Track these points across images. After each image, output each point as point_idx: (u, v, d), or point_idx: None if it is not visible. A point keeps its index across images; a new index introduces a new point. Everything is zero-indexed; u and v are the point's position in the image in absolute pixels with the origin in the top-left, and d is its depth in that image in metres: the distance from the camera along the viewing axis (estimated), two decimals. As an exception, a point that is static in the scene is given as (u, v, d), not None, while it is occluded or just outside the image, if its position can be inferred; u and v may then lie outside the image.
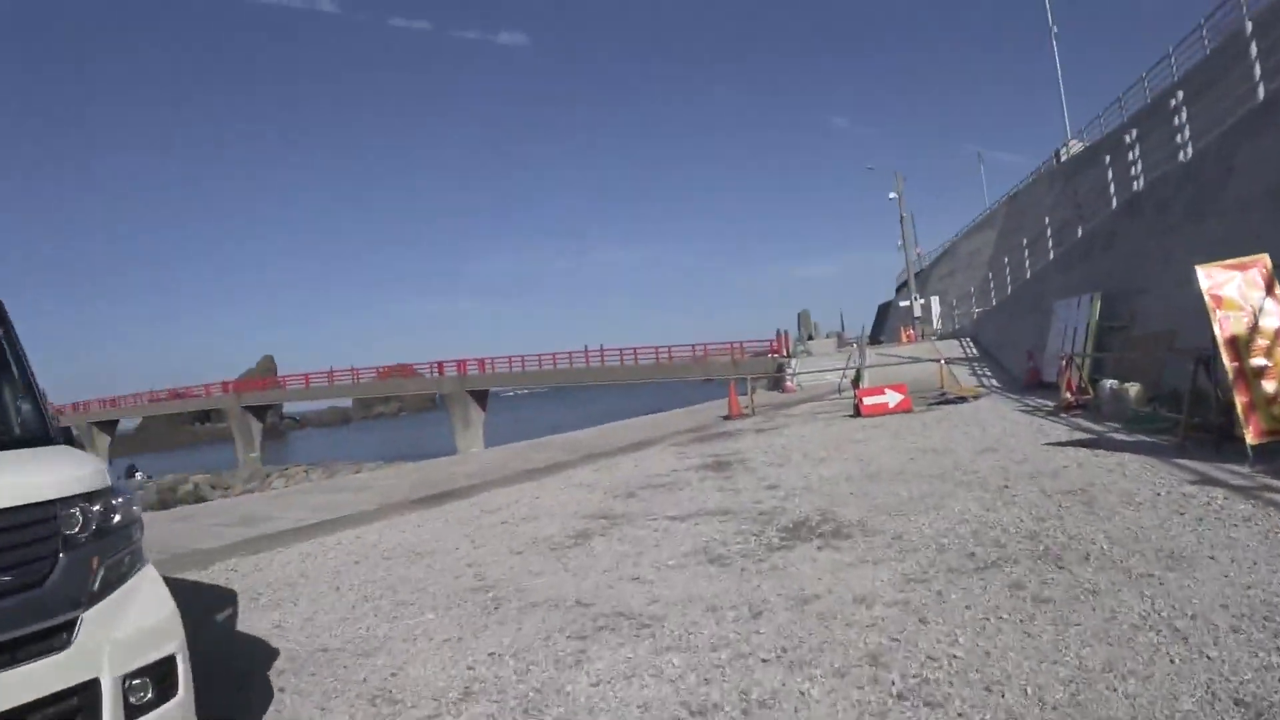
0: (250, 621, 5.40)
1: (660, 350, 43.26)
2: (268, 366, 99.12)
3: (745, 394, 19.12)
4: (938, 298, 35.59)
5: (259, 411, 60.08)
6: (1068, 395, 12.40)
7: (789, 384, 24.84)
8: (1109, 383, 11.59)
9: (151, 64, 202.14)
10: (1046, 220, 22.06)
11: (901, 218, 40.24)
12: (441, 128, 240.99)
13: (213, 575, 6.90)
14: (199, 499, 30.77)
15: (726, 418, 17.29)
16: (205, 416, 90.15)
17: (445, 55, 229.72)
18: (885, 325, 64.16)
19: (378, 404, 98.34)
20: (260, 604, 5.82)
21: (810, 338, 35.56)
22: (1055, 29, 34.11)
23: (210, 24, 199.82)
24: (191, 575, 6.91)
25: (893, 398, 14.66)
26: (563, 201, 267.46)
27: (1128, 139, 16.20)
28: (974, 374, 20.21)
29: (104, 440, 64.29)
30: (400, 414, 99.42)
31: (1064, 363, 13.07)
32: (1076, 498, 6.39)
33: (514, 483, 10.75)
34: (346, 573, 6.50)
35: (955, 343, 26.39)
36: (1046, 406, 12.90)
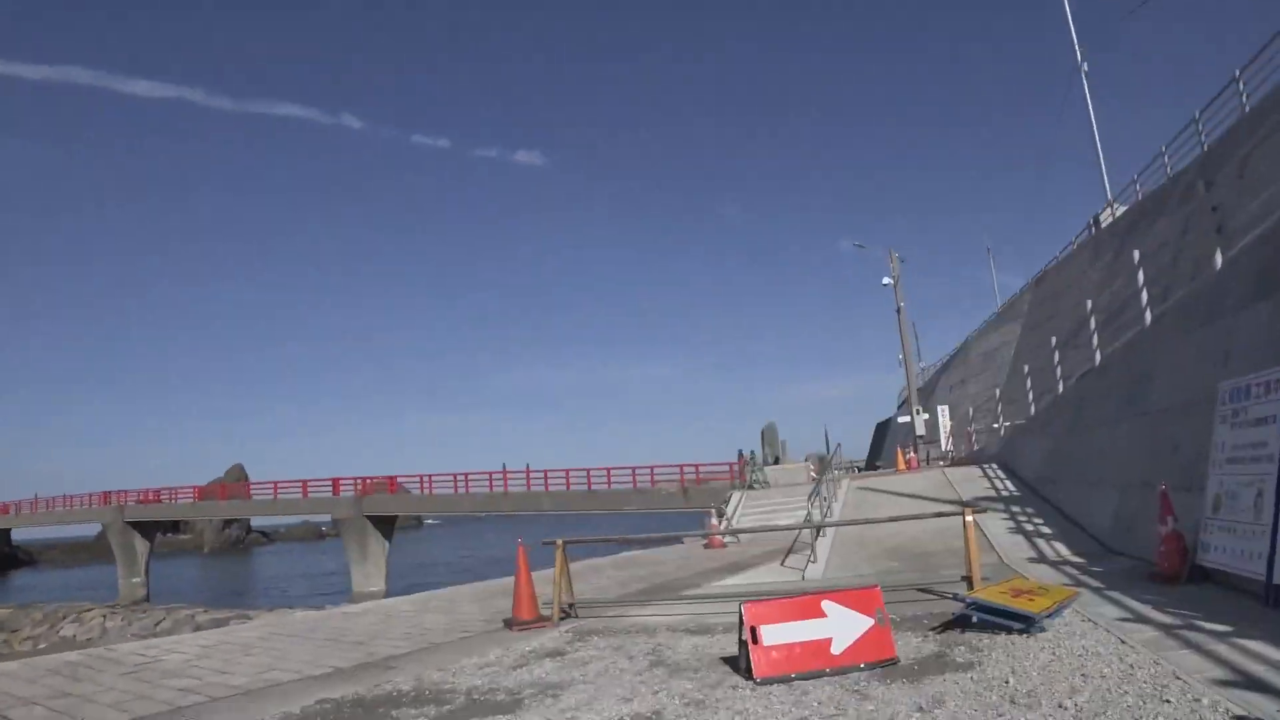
0: None
1: (595, 473, 34.05)
2: (238, 475, 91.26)
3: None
4: (946, 409, 26.83)
5: (146, 529, 50.50)
6: None
7: (716, 538, 15.68)
8: None
9: (162, 168, 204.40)
10: (1089, 305, 13.49)
11: (899, 308, 31.99)
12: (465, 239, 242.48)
13: None
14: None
15: (507, 622, 8.18)
16: (174, 525, 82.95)
17: (465, 171, 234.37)
18: (884, 448, 54.74)
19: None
20: None
21: (776, 460, 26.47)
22: (1085, 65, 27.04)
23: (231, 132, 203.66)
24: None
25: (843, 625, 5.56)
26: (575, 317, 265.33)
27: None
28: (1019, 530, 11.10)
29: None
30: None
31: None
32: None
33: None
34: None
35: (976, 470, 17.32)
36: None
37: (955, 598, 6.96)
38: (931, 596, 7.59)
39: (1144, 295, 10.97)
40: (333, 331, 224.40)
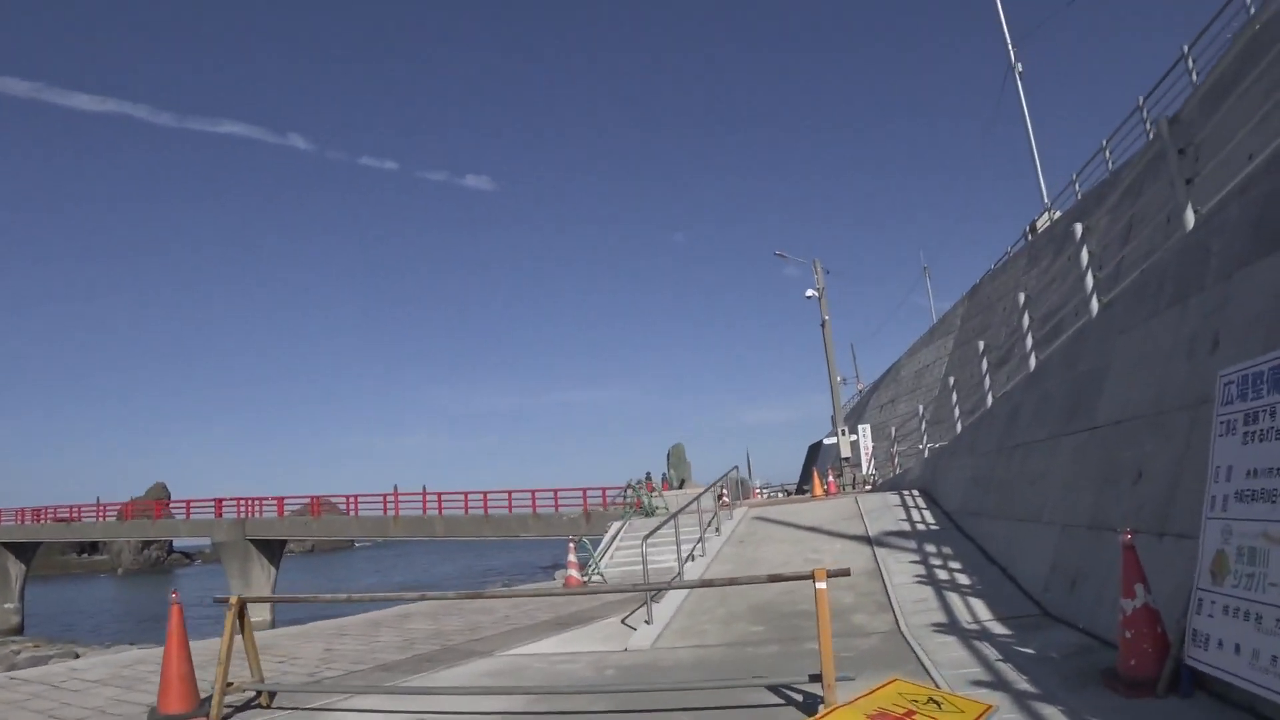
0: None
1: (495, 496, 30.79)
2: (160, 493, 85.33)
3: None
4: (868, 429, 24.48)
5: (23, 550, 45.29)
6: None
7: (572, 575, 12.83)
8: None
9: (101, 182, 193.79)
10: (1022, 298, 11.02)
11: (824, 321, 29.76)
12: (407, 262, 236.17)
13: None
14: None
15: (152, 713, 5.21)
16: (93, 546, 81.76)
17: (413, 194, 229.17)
18: (818, 463, 52.75)
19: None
20: None
21: (682, 483, 23.74)
22: (1019, 66, 25.30)
23: (171, 148, 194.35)
24: None
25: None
26: (522, 342, 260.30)
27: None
28: (929, 579, 8.47)
29: None
30: (314, 551, 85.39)
31: None
32: None
33: None
34: None
35: (894, 497, 14.82)
36: None
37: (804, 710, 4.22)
38: (777, 702, 4.83)
39: (1089, 279, 8.56)
40: (272, 350, 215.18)
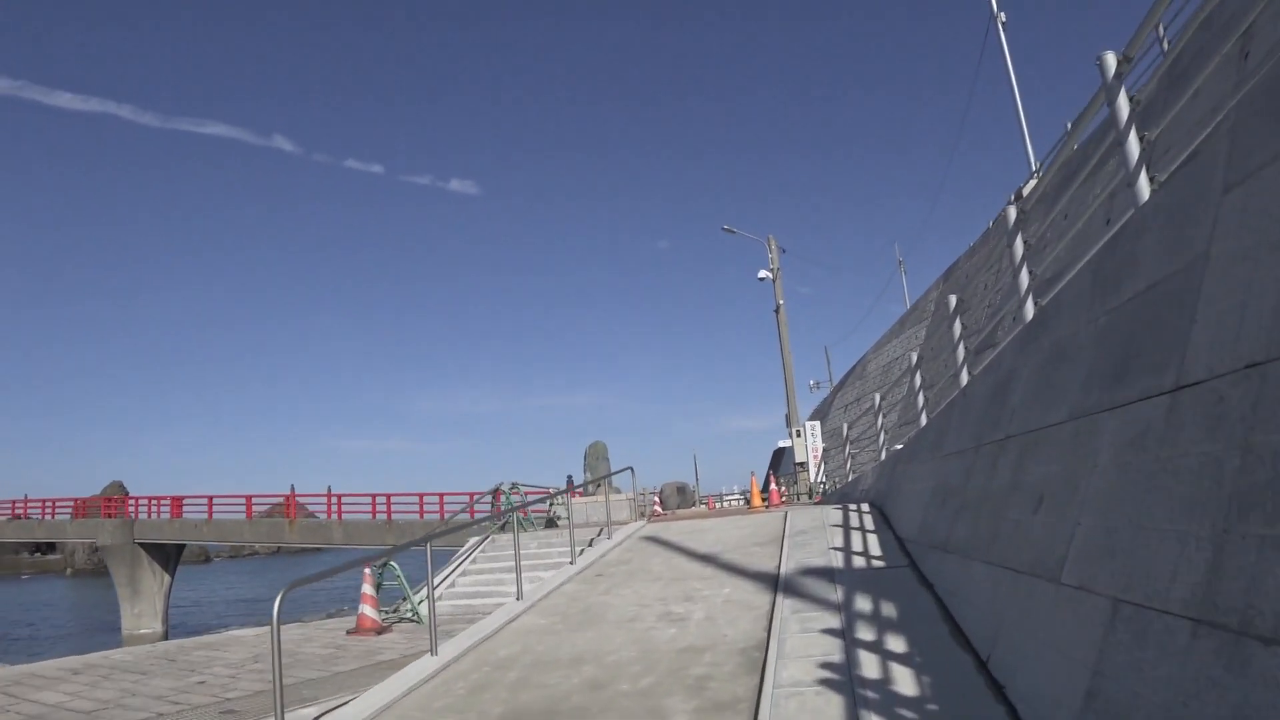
0: None
1: (402, 500, 26.66)
2: (116, 491, 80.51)
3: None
4: (817, 426, 20.61)
5: None
6: None
7: (365, 614, 8.87)
8: None
9: (87, 185, 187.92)
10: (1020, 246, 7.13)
11: (778, 306, 25.92)
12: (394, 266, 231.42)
13: None
14: None
15: None
16: (49, 545, 75.98)
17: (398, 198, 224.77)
18: (780, 469, 48.95)
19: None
20: None
21: (597, 485, 19.75)
22: (1003, 16, 21.69)
23: (155, 148, 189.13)
24: None
25: None
26: (501, 345, 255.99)
27: None
28: (843, 678, 4.61)
29: None
30: (279, 552, 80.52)
31: None
32: None
33: None
34: None
35: (838, 513, 10.98)
36: None
37: None
38: None
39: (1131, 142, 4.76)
40: (249, 349, 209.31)
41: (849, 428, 14.49)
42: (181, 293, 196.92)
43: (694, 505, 37.15)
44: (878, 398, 12.70)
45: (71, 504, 36.29)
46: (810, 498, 19.60)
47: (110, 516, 33.67)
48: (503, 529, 13.75)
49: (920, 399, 10.61)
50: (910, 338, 24.21)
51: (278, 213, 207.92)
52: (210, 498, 32.57)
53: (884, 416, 12.34)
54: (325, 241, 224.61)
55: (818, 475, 17.99)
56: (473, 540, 13.07)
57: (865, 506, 11.16)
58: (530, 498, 17.06)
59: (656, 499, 27.01)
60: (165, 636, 35.50)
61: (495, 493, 16.49)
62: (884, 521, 9.80)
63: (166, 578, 34.70)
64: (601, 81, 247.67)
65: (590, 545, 10.79)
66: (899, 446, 13.68)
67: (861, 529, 9.60)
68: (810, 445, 19.62)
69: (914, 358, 10.27)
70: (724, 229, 25.99)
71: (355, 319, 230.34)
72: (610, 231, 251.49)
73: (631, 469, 13.55)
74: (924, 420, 10.45)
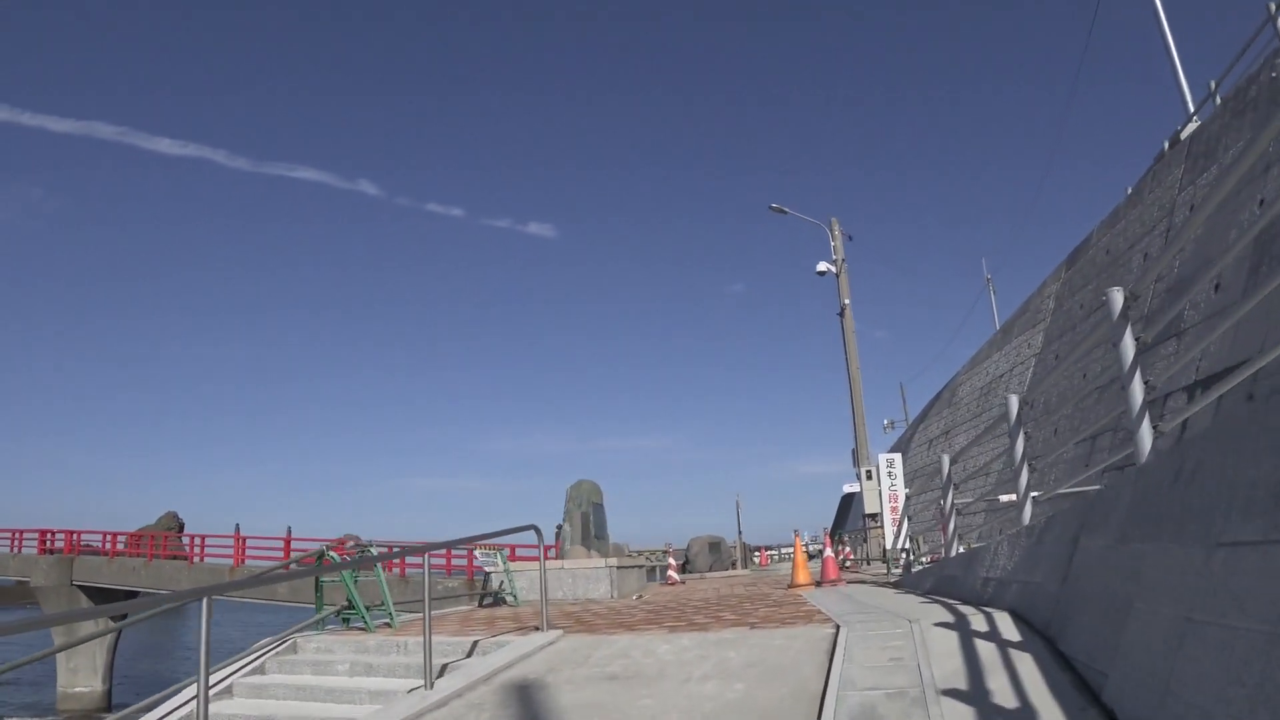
0: None
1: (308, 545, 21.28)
2: (169, 524, 78.14)
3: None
4: (898, 460, 14.20)
5: None
6: None
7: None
8: None
9: (181, 225, 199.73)
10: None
11: (843, 307, 19.77)
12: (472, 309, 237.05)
13: None
14: None
15: None
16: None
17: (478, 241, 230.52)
18: (847, 523, 41.80)
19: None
20: None
21: (572, 542, 13.81)
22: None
23: (246, 190, 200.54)
24: None
25: None
26: (572, 384, 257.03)
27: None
28: None
29: None
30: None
31: None
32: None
33: None
34: None
35: (945, 639, 4.97)
36: None
37: None
38: None
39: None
40: (332, 393, 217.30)
41: (950, 462, 8.30)
42: (259, 334, 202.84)
43: (732, 565, 30.36)
44: (1013, 400, 6.63)
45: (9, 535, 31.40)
46: (886, 568, 13.34)
47: (49, 553, 29.21)
48: (500, 601, 7.85)
49: (1138, 393, 4.47)
50: (1018, 349, 17.72)
51: (359, 252, 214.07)
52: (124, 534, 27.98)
53: (1027, 436, 6.26)
54: (403, 287, 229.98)
55: (898, 538, 11.69)
56: (298, 638, 7.42)
57: (1005, 621, 5.06)
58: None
59: (671, 561, 20.80)
60: (107, 696, 30.51)
61: (321, 556, 10.57)
62: (1053, 661, 3.70)
63: (110, 625, 29.97)
64: (677, 126, 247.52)
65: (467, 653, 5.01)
66: (1045, 492, 7.43)
67: (1002, 678, 3.51)
68: (886, 490, 13.17)
69: (1117, 298, 4.29)
70: (772, 207, 20.27)
71: (429, 359, 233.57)
72: (683, 275, 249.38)
73: (537, 528, 7.61)
74: (1146, 448, 4.28)
